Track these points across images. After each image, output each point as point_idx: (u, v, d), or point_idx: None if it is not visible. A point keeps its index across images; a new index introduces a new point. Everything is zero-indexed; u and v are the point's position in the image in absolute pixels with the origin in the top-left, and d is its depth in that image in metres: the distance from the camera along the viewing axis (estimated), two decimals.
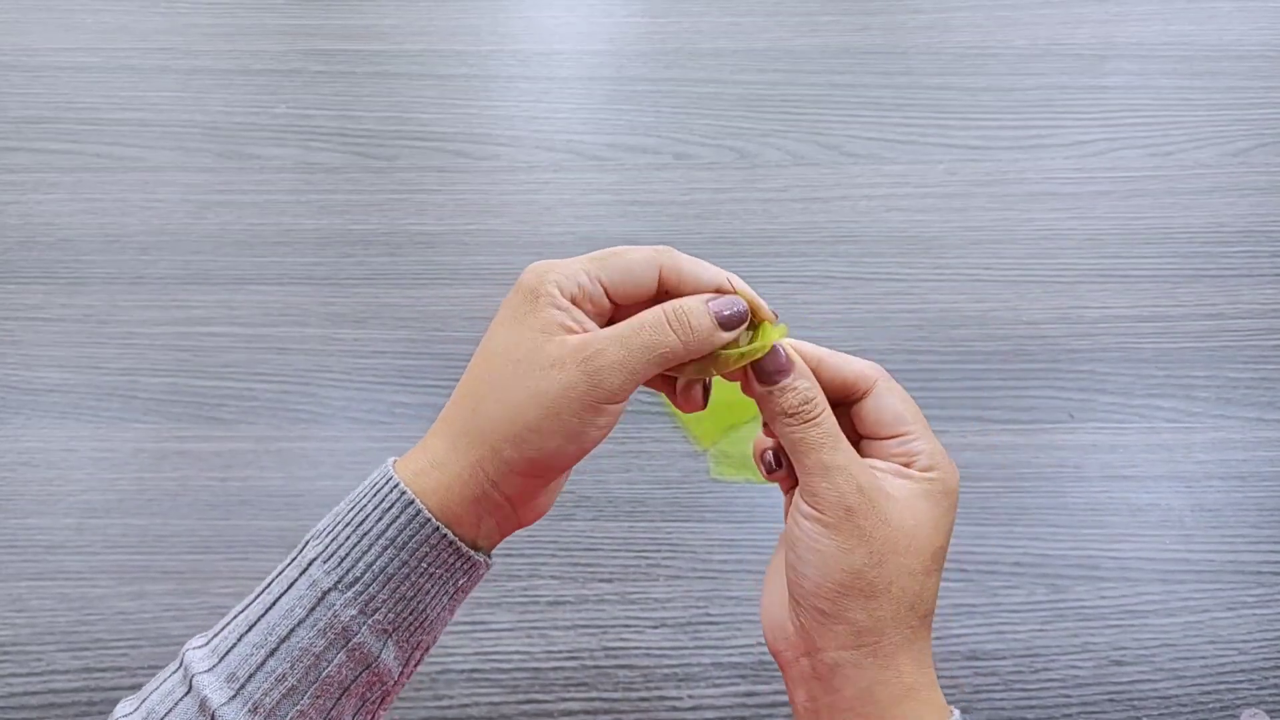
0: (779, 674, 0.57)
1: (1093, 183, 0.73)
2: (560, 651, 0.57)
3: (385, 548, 0.33)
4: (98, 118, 0.76)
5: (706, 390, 0.38)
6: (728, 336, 0.34)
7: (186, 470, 0.63)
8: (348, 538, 0.33)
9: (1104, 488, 0.62)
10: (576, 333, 0.33)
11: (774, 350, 0.35)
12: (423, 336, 0.67)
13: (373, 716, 0.35)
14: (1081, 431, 0.64)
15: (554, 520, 0.61)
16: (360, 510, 0.34)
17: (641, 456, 0.63)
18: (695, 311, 0.33)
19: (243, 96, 0.77)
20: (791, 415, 0.34)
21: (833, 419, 0.35)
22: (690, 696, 0.56)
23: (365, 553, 0.33)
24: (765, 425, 0.37)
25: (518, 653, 0.57)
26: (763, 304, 0.35)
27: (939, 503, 0.35)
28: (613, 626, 0.58)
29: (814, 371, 0.36)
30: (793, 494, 0.36)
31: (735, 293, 0.35)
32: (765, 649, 0.57)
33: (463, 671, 0.57)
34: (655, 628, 0.58)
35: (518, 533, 0.63)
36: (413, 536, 0.33)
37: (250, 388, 0.66)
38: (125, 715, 0.33)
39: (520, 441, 0.33)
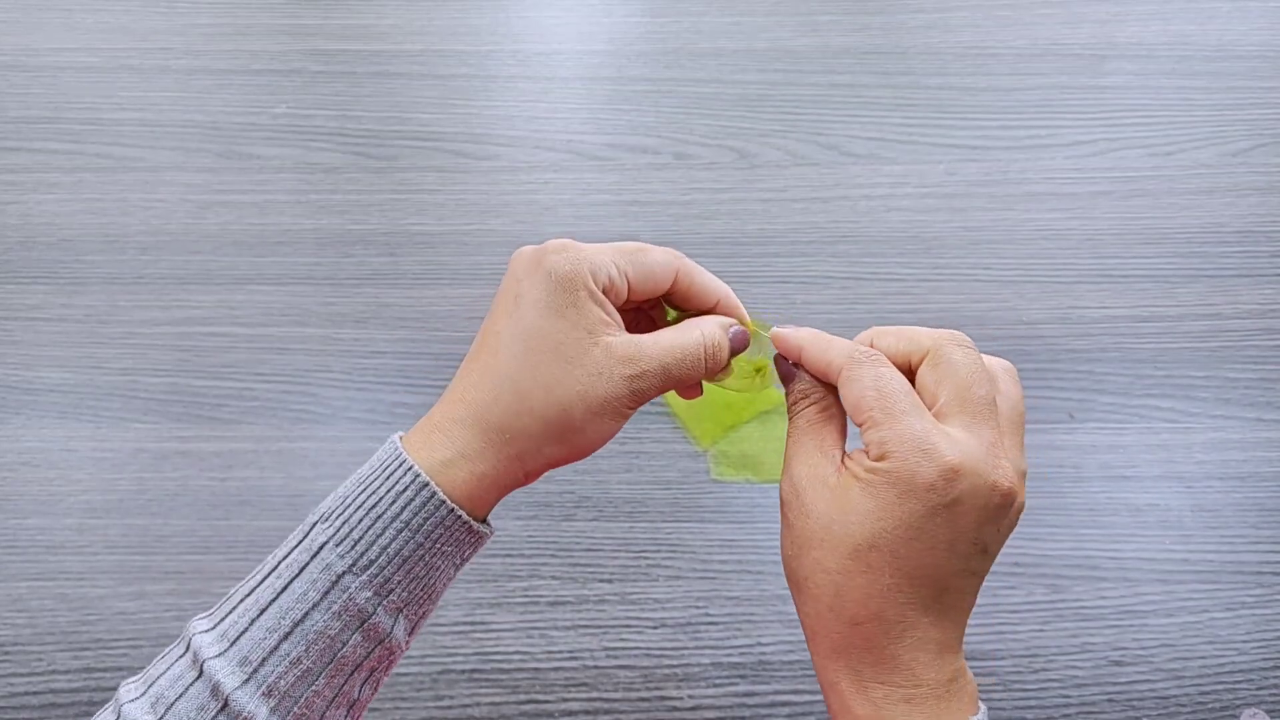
0: (779, 674, 0.57)
1: (1092, 183, 0.73)
2: (560, 652, 0.57)
3: (400, 530, 0.33)
4: (98, 118, 0.76)
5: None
6: (731, 360, 0.38)
7: (186, 470, 0.63)
8: (360, 520, 0.33)
9: (1103, 488, 0.62)
10: (613, 330, 0.35)
11: (781, 359, 0.38)
12: (423, 336, 0.67)
13: (378, 684, 0.35)
14: (1080, 432, 0.64)
15: (554, 521, 0.61)
16: (372, 492, 0.34)
17: (641, 457, 0.63)
18: (724, 346, 0.37)
19: (243, 96, 0.77)
20: (789, 408, 0.37)
21: (813, 412, 0.36)
22: (690, 696, 0.56)
23: (379, 536, 0.33)
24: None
25: (518, 653, 0.57)
26: (746, 317, 0.39)
27: (878, 494, 0.31)
28: (613, 627, 0.58)
29: (797, 363, 0.37)
30: None
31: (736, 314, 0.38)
32: (765, 649, 0.57)
33: (463, 672, 0.57)
34: (655, 628, 0.58)
35: (518, 533, 0.63)
36: (428, 519, 0.34)
37: (250, 388, 0.66)
38: (131, 700, 0.32)
39: (564, 440, 0.35)
